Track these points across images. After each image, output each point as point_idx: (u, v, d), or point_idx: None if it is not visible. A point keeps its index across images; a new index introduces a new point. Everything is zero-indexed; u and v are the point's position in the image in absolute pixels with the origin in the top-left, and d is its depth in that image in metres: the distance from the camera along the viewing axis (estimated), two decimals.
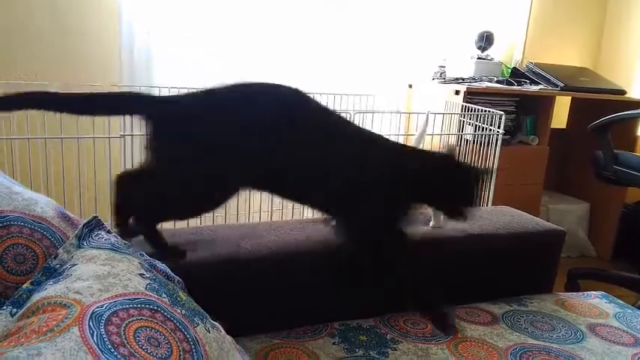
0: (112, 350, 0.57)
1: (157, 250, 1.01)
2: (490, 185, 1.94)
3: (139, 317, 0.63)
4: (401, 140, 2.54)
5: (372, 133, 1.10)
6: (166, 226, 1.49)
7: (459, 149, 2.10)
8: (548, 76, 2.66)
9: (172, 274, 0.86)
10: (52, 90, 0.92)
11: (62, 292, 0.64)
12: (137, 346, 0.59)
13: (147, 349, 0.60)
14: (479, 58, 2.73)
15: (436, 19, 2.70)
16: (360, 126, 1.10)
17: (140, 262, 0.76)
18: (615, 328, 1.24)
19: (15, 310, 0.65)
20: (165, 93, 1.84)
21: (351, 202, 1.05)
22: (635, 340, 1.19)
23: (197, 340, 0.68)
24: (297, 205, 1.92)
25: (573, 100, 3.02)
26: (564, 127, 3.08)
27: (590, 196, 2.91)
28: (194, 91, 1.00)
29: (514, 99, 2.58)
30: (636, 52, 3.06)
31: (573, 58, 3.18)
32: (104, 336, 0.58)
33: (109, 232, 0.82)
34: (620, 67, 3.11)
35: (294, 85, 1.02)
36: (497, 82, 2.59)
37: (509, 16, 2.95)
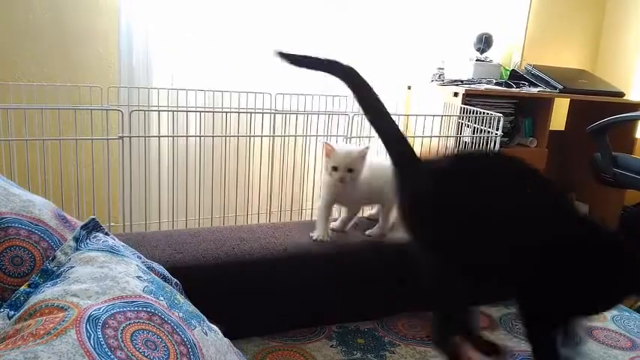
0: (109, 354, 0.57)
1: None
2: None
3: (137, 320, 0.63)
4: None
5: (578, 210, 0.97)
6: (162, 227, 1.50)
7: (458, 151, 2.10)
8: (546, 78, 2.67)
9: (170, 276, 0.86)
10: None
11: (59, 295, 0.64)
12: (134, 350, 0.59)
13: (144, 352, 0.60)
14: (478, 60, 2.73)
15: (435, 20, 2.70)
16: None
17: (138, 265, 0.76)
18: (613, 331, 1.24)
19: (12, 312, 0.65)
20: (164, 94, 1.84)
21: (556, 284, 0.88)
22: (633, 343, 1.19)
23: (194, 343, 0.67)
24: (296, 207, 1.92)
25: (572, 102, 3.02)
26: (563, 129, 3.08)
27: (589, 199, 2.91)
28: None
29: (513, 101, 2.58)
30: (634, 55, 3.06)
31: (572, 60, 3.18)
32: (101, 339, 0.58)
33: (106, 233, 0.82)
34: (619, 70, 3.12)
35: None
36: (496, 84, 2.59)
37: (508, 19, 2.95)
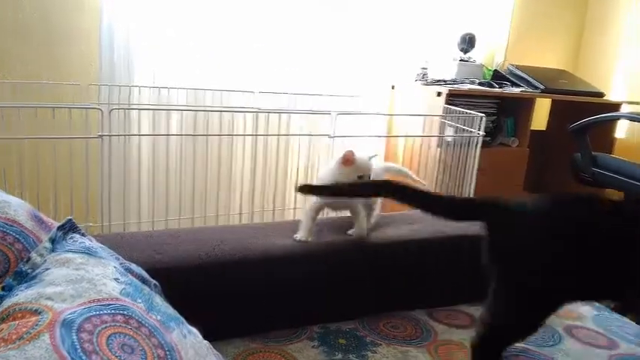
0: (84, 358, 0.55)
1: None
2: (470, 187, 1.95)
3: (113, 324, 0.62)
4: (383, 142, 2.57)
5: None
6: (142, 227, 1.48)
7: (440, 151, 2.11)
8: (528, 79, 2.70)
9: (149, 277, 0.85)
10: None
11: (33, 298, 0.62)
12: (110, 354, 0.58)
13: (120, 356, 0.59)
14: (461, 60, 2.75)
15: (419, 20, 2.71)
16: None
17: (115, 267, 0.75)
18: (592, 330, 1.26)
19: None
20: (146, 93, 1.82)
21: None
22: (612, 342, 1.21)
23: (172, 346, 0.67)
24: (279, 206, 1.91)
25: (553, 102, 3.06)
26: (544, 129, 3.12)
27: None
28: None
29: (495, 101, 2.60)
30: (614, 55, 3.11)
31: (554, 60, 3.22)
32: (76, 343, 0.57)
33: (83, 235, 0.81)
34: (599, 70, 3.17)
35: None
36: (479, 84, 2.62)
37: (491, 19, 2.97)
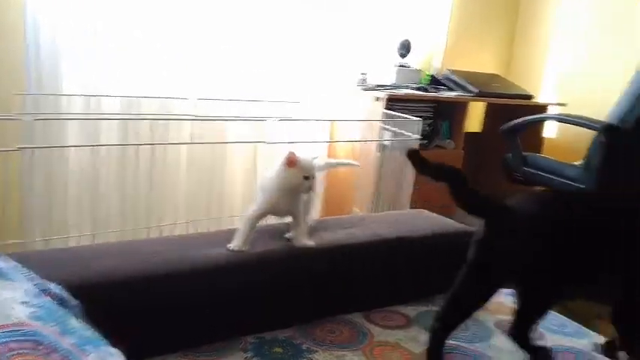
0: None
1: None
2: (408, 189, 2.00)
3: (20, 351, 0.59)
4: (324, 147, 2.59)
5: None
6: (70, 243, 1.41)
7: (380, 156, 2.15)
8: (463, 83, 2.79)
9: (69, 297, 0.81)
10: None
11: None
12: None
13: None
14: (400, 66, 2.81)
15: (360, 26, 2.75)
16: None
17: (27, 289, 0.71)
18: None
19: None
20: (76, 101, 1.75)
21: None
22: (541, 335, 1.25)
23: None
24: (218, 215, 1.88)
25: (488, 105, 3.18)
26: (480, 131, 3.24)
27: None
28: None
29: (432, 105, 2.68)
30: (543, 60, 3.27)
31: (488, 65, 3.36)
32: None
33: None
34: (529, 74, 3.32)
35: None
36: (417, 88, 2.69)
37: (429, 25, 3.06)
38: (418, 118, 1.98)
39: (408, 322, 1.27)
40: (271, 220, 1.35)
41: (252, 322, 1.14)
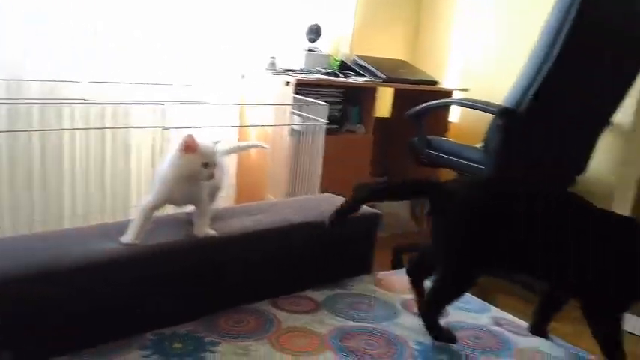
0: None
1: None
2: (317, 173, 1.99)
3: None
4: (234, 133, 2.52)
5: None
6: None
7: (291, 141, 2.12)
8: (371, 69, 2.83)
9: None
10: None
11: None
12: None
13: None
14: (309, 51, 2.79)
15: (269, 9, 2.69)
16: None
17: None
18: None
19: None
20: None
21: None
22: (443, 312, 1.29)
23: None
24: (113, 207, 1.76)
25: (396, 90, 3.25)
26: (389, 116, 3.31)
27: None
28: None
29: (341, 90, 2.69)
30: (447, 47, 3.40)
31: (396, 51, 3.43)
32: None
33: None
34: (434, 60, 3.44)
35: None
36: (327, 73, 2.68)
37: (337, 10, 3.06)
38: (325, 103, 1.98)
39: (316, 307, 1.26)
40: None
41: (150, 318, 1.08)
